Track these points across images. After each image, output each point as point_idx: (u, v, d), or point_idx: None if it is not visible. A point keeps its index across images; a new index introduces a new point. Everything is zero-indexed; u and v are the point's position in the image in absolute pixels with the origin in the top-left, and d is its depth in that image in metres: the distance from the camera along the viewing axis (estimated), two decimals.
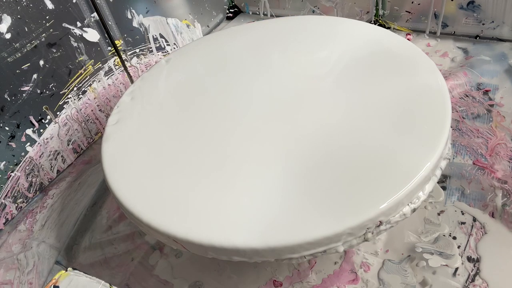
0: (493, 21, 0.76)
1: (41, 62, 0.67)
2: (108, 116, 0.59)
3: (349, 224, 0.38)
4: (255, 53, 0.63)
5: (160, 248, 0.59)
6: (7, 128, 0.65)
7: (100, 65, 0.78)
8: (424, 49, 0.81)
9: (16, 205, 0.70)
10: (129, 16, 0.81)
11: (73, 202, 0.70)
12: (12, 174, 0.68)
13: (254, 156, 0.47)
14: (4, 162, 0.66)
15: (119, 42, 0.80)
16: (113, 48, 0.79)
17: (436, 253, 0.50)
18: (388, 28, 0.88)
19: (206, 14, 1.02)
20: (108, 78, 0.80)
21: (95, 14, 0.74)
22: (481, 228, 0.52)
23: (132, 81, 0.85)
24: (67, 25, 0.70)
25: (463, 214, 0.54)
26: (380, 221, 0.39)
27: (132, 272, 0.57)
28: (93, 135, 0.81)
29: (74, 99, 0.74)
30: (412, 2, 0.82)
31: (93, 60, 0.76)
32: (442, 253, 0.50)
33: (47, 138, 0.72)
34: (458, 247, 0.50)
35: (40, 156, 0.72)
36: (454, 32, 0.82)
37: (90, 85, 0.77)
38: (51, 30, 0.67)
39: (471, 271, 0.48)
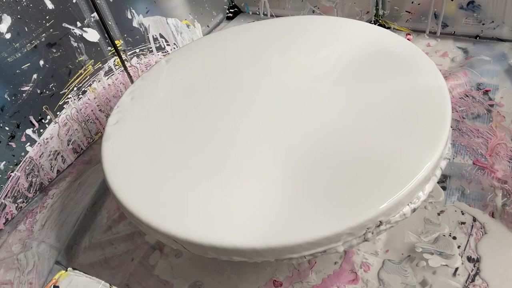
0: (493, 21, 0.76)
1: (41, 62, 0.67)
2: (108, 116, 0.59)
3: (349, 224, 0.38)
4: (255, 53, 0.63)
5: (160, 248, 0.59)
6: (7, 128, 0.65)
7: (100, 65, 0.78)
8: (424, 49, 0.81)
9: (16, 205, 0.70)
10: (129, 16, 0.81)
11: (73, 202, 0.70)
12: (12, 174, 0.68)
13: (254, 155, 0.47)
14: (4, 162, 0.66)
15: (119, 42, 0.80)
16: (113, 48, 0.79)
17: (436, 253, 0.50)
18: (388, 28, 0.88)
19: (206, 14, 1.02)
20: (108, 78, 0.80)
21: (95, 14, 0.74)
22: (481, 228, 0.52)
23: (132, 81, 0.85)
24: (67, 25, 0.70)
25: (463, 214, 0.54)
26: (380, 221, 0.39)
27: (132, 272, 0.57)
28: (93, 135, 0.81)
29: (74, 99, 0.74)
30: (412, 2, 0.82)
31: (93, 60, 0.76)
32: (442, 253, 0.50)
33: (47, 138, 0.72)
34: (458, 247, 0.50)
35: (40, 156, 0.72)
36: (454, 32, 0.82)
37: (90, 85, 0.77)
38: (51, 30, 0.67)
39: (471, 271, 0.48)
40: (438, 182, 0.55)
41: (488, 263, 0.48)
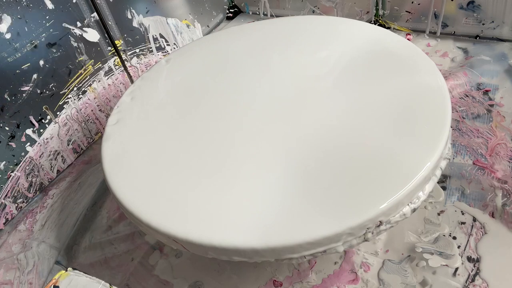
0: (493, 21, 0.76)
1: (41, 62, 0.67)
2: (108, 116, 0.59)
3: (349, 224, 0.38)
4: (255, 53, 0.63)
5: (160, 248, 0.59)
6: (7, 128, 0.65)
7: (100, 65, 0.78)
8: (424, 49, 0.81)
9: (16, 205, 0.70)
10: (129, 16, 0.81)
11: (73, 202, 0.70)
12: (12, 174, 0.68)
13: (254, 156, 0.47)
14: (4, 162, 0.66)
15: (119, 42, 0.80)
16: (113, 48, 0.79)
17: (436, 253, 0.50)
18: (388, 28, 0.88)
19: (206, 14, 1.02)
20: (108, 78, 0.80)
21: (95, 14, 0.74)
22: (481, 228, 0.52)
23: (132, 81, 0.85)
24: (67, 25, 0.70)
25: (463, 214, 0.54)
26: (380, 221, 0.39)
27: (132, 272, 0.57)
28: (93, 135, 0.81)
29: (74, 99, 0.74)
30: (412, 2, 0.82)
31: (93, 60, 0.76)
32: (442, 253, 0.50)
33: (47, 138, 0.72)
34: (458, 247, 0.50)
35: (40, 156, 0.72)
36: (454, 32, 0.82)
37: (90, 85, 0.77)
38: (51, 30, 0.67)
39: (471, 271, 0.48)
40: (438, 182, 0.55)
41: (488, 263, 0.48)
